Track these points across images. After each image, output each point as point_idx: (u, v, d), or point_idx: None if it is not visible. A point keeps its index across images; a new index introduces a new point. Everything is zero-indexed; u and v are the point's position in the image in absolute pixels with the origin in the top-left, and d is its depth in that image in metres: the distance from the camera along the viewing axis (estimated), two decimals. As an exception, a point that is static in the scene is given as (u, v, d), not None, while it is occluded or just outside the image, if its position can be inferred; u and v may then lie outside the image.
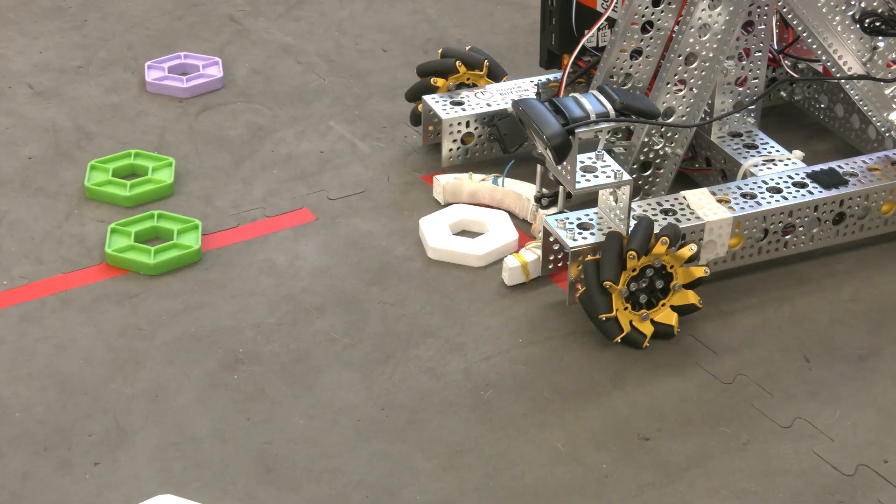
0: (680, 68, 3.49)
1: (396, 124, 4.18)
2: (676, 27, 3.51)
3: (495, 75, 4.07)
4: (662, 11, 3.52)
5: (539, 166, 3.53)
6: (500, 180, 3.76)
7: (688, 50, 3.48)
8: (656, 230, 3.29)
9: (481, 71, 4.02)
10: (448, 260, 3.57)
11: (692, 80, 3.52)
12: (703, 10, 3.44)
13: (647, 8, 3.49)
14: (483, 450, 3.00)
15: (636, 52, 3.56)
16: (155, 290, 3.47)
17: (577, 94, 3.23)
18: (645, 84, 3.59)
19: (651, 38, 3.54)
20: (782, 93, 4.21)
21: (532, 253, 3.50)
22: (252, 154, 4.05)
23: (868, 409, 3.13)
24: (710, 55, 3.50)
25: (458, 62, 3.98)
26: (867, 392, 3.19)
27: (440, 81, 3.97)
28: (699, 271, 3.28)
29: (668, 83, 3.50)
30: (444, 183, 3.78)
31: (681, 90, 3.52)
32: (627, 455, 2.99)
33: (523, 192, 3.73)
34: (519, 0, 4.96)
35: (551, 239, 3.39)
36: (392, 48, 4.66)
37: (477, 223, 3.69)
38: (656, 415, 3.11)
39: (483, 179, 3.77)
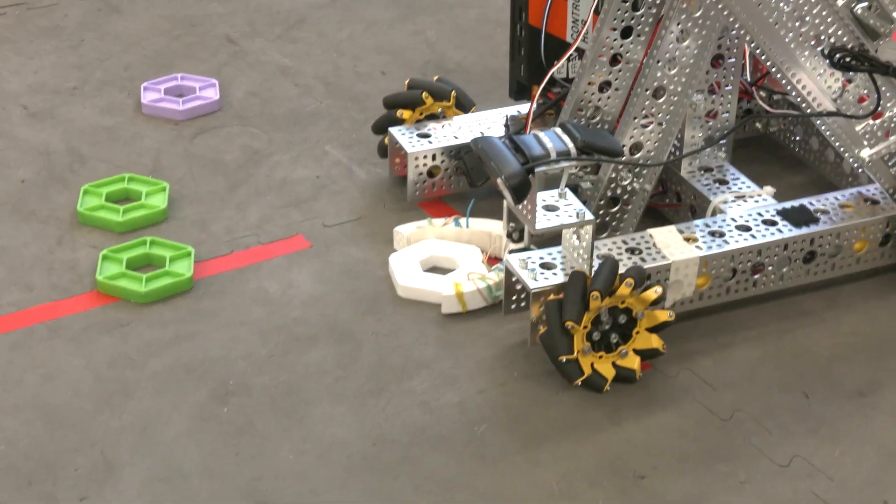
0: (647, 102, 3.42)
1: (394, 149, 4.13)
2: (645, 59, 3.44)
3: (463, 106, 4.00)
4: (632, 43, 3.45)
5: (506, 201, 3.45)
6: (462, 221, 3.70)
7: (655, 84, 3.41)
8: (621, 271, 3.21)
9: (448, 102, 3.96)
10: (418, 298, 3.50)
11: (660, 115, 3.44)
12: (670, 43, 3.37)
13: (615, 40, 3.43)
14: (476, 487, 2.95)
15: (605, 85, 3.50)
16: (146, 319, 3.43)
17: (538, 132, 3.16)
18: (614, 117, 3.52)
19: (620, 71, 3.48)
20: (757, 124, 4.13)
21: (472, 284, 3.44)
22: (247, 178, 4.01)
23: (868, 447, 3.08)
24: (679, 89, 3.43)
25: (424, 94, 3.91)
26: (867, 429, 3.14)
27: (406, 113, 3.91)
28: (664, 315, 3.22)
29: (635, 118, 3.43)
30: (406, 234, 3.67)
31: (649, 124, 3.45)
32: (623, 493, 2.94)
33: (492, 229, 3.65)
34: (519, 22, 4.92)
35: (514, 279, 3.31)
36: (391, 71, 4.62)
37: (448, 259, 3.63)
38: (652, 451, 3.06)
39: (445, 224, 3.69)
